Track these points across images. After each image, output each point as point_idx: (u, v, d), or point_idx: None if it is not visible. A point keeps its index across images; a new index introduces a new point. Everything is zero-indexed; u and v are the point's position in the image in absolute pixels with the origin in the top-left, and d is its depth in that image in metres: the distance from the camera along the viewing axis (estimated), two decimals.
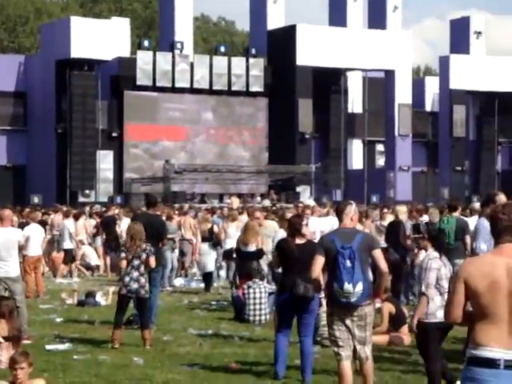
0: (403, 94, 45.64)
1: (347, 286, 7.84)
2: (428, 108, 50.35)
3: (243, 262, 15.22)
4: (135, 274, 11.43)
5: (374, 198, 41.94)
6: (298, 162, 43.08)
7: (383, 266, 8.04)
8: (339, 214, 8.30)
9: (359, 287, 7.86)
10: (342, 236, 8.06)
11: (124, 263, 11.45)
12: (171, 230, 19.93)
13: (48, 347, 11.12)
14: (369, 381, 8.16)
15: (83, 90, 39.37)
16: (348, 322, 7.98)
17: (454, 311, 4.65)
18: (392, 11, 47.18)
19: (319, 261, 8.02)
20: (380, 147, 48.50)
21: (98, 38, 39.00)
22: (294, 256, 9.27)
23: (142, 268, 11.43)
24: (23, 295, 12.17)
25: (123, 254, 11.49)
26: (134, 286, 11.43)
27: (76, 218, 22.37)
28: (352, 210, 8.26)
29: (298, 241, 9.40)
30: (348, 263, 7.85)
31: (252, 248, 15.25)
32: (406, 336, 11.60)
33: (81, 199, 39.08)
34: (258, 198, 39.65)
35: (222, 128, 43.84)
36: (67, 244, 21.00)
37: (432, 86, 49.93)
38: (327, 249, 8.00)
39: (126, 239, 11.69)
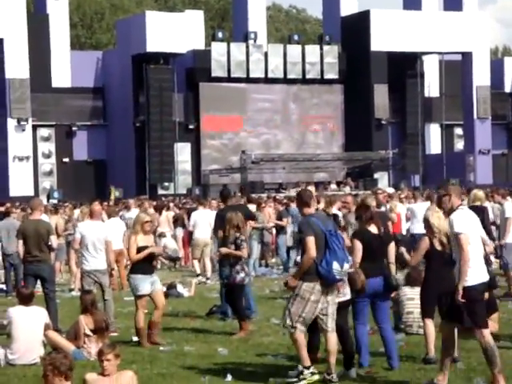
0: (481, 76, 44.80)
1: (346, 266, 8.47)
2: (507, 89, 49.32)
3: None
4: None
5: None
6: (375, 148, 42.75)
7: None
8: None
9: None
10: (322, 220, 8.56)
11: (246, 252, 11.69)
12: (260, 220, 19.74)
13: (135, 339, 11.30)
14: (333, 352, 8.67)
15: (159, 84, 39.80)
16: (329, 297, 8.48)
17: None
18: None
19: (311, 241, 8.36)
20: (458, 131, 47.74)
21: (173, 32, 39.33)
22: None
23: None
24: (111, 288, 12.43)
25: (244, 244, 11.75)
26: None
27: (159, 211, 22.49)
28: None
29: None
30: (339, 244, 8.42)
31: None
32: (495, 323, 11.39)
33: (160, 191, 39.60)
34: (333, 186, 39.46)
35: (298, 116, 43.78)
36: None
37: (511, 66, 48.86)
38: (317, 232, 8.37)
39: (240, 230, 11.82)
